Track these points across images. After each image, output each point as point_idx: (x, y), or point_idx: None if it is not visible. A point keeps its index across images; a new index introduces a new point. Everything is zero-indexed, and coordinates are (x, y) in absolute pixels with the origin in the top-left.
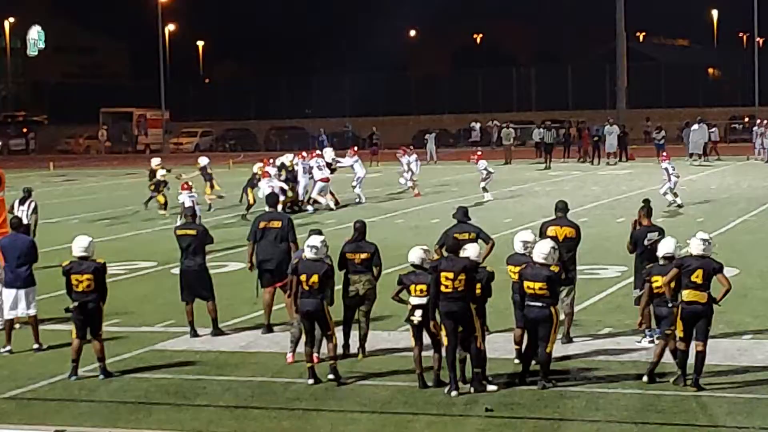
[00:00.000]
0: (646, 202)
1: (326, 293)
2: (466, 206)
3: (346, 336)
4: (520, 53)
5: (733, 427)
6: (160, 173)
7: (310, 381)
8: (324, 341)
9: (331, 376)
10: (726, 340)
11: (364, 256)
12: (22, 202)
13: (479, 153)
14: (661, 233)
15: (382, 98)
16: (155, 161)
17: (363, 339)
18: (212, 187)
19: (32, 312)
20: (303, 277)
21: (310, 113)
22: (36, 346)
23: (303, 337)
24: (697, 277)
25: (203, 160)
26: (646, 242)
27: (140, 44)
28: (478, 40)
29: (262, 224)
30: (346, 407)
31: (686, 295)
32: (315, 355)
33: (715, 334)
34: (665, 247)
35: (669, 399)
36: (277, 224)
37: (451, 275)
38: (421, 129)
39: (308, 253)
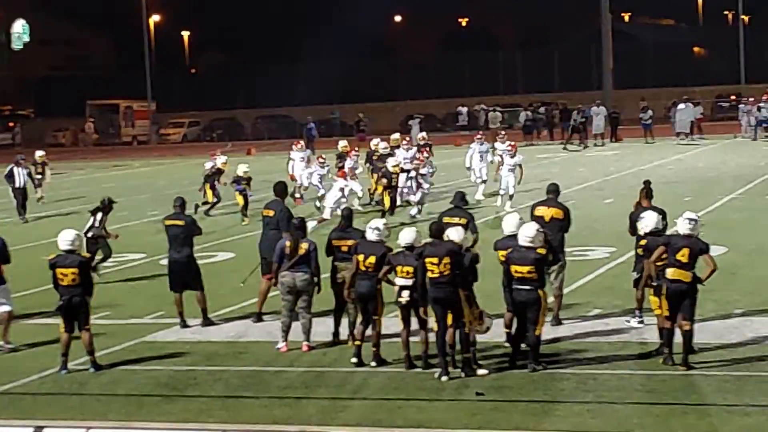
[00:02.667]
0: (647, 183)
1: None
2: (463, 191)
3: (337, 323)
4: (505, 36)
5: (722, 405)
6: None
7: (354, 360)
8: (307, 325)
9: (373, 363)
10: (715, 318)
11: (351, 243)
12: None
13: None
14: (662, 215)
15: (369, 84)
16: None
17: (352, 326)
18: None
19: (3, 309)
20: (360, 257)
21: (297, 101)
22: (7, 345)
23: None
24: (682, 255)
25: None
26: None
27: (125, 35)
28: (464, 24)
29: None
30: (338, 395)
31: (671, 273)
32: (305, 343)
33: (704, 312)
34: (649, 222)
35: (659, 378)
36: (270, 213)
37: (435, 260)
38: (409, 114)
39: (370, 235)
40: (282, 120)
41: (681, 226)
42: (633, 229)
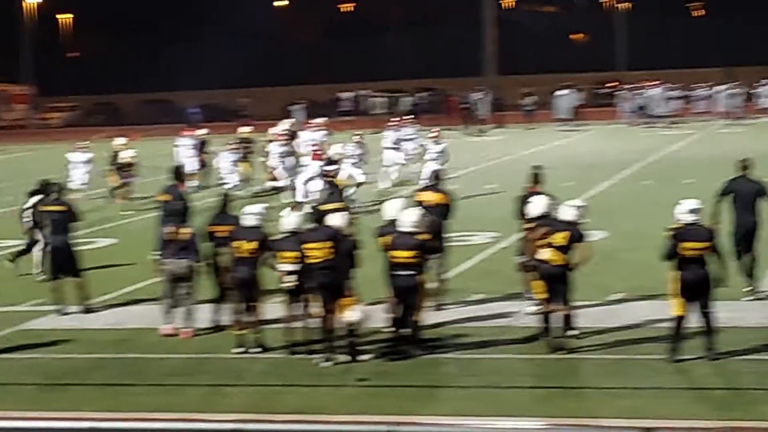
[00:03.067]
0: (536, 168)
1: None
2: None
3: (218, 310)
4: (390, 22)
5: (601, 388)
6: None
7: (236, 349)
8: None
9: (256, 350)
10: (594, 302)
11: (228, 228)
12: None
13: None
14: (551, 200)
15: (253, 69)
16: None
17: (234, 312)
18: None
19: None
20: (239, 244)
21: (180, 86)
22: None
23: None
24: (563, 238)
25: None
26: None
27: (2, 19)
28: (348, 9)
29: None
30: (219, 381)
31: (545, 254)
32: (188, 330)
33: (584, 297)
34: (539, 207)
35: (539, 362)
36: (167, 198)
37: (317, 245)
38: (293, 100)
39: (247, 220)
40: (163, 105)
41: (565, 212)
42: (521, 214)
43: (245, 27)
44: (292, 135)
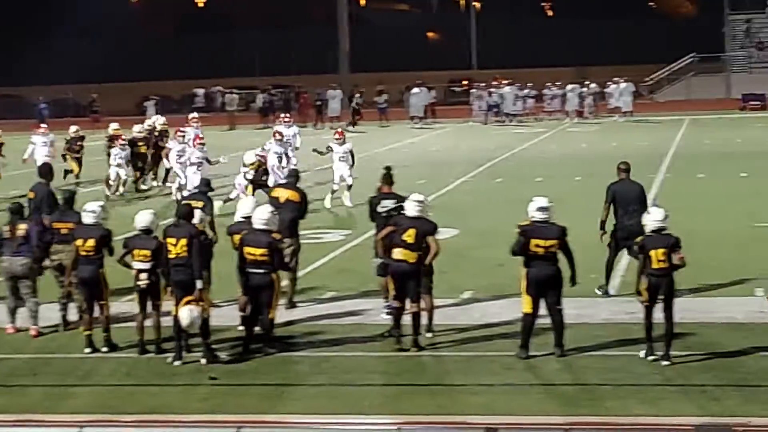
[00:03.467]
0: (388, 169)
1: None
2: (209, 178)
3: (64, 308)
4: (243, 18)
5: (452, 385)
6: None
7: (86, 349)
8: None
9: (105, 349)
10: (446, 299)
11: (70, 226)
12: None
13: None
14: (399, 201)
15: (105, 64)
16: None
17: (80, 311)
18: None
19: None
20: (79, 242)
21: (29, 81)
22: None
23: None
24: (408, 236)
25: None
26: (379, 209)
27: None
28: (201, 5)
29: None
30: (66, 381)
31: (396, 253)
32: (33, 328)
33: (435, 294)
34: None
35: (390, 360)
36: (32, 195)
37: (174, 241)
38: (144, 96)
39: (86, 218)
40: (9, 100)
41: (409, 208)
42: (373, 215)
43: (98, 21)
44: (151, 132)
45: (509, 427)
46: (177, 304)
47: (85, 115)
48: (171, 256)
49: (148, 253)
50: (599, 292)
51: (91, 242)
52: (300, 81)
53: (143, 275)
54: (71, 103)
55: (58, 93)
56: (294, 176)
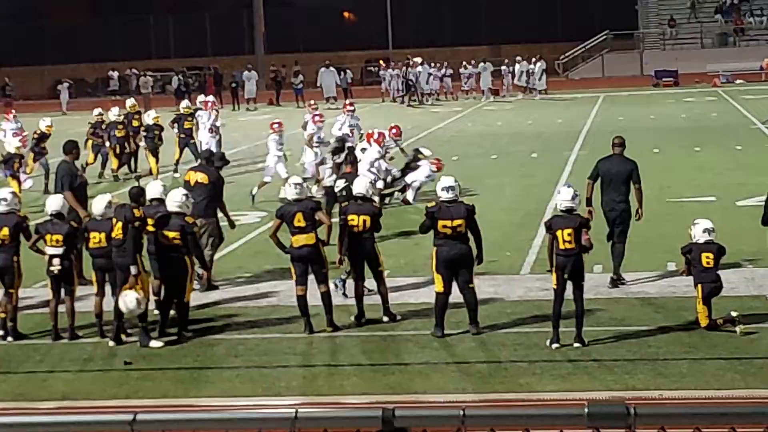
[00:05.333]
0: (350, 149)
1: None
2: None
3: None
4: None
5: (367, 365)
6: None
7: None
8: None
9: (10, 339)
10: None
11: None
12: None
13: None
14: (349, 181)
15: (14, 48)
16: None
17: None
18: None
19: None
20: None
21: None
22: None
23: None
24: (298, 221)
25: None
26: (336, 190)
27: None
28: None
29: None
30: None
31: (294, 241)
32: None
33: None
34: (289, 192)
35: (306, 341)
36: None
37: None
38: (57, 79)
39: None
40: None
41: (288, 193)
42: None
43: (9, 3)
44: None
45: (414, 407)
46: (98, 290)
47: None
48: (93, 245)
49: (60, 237)
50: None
51: (5, 231)
52: (215, 62)
53: (56, 260)
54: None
55: None
56: (206, 158)
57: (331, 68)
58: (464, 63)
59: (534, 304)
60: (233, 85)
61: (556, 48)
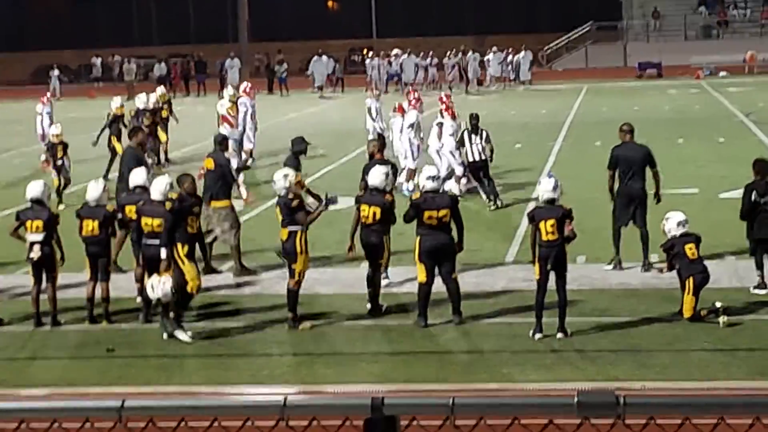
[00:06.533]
0: (381, 137)
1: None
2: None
3: None
4: None
5: (351, 354)
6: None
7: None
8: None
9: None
10: (345, 269)
11: None
12: None
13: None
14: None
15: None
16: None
17: None
18: None
19: None
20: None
21: None
22: None
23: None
24: (277, 215)
25: None
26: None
27: None
28: None
29: None
30: None
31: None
32: None
33: (335, 264)
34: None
35: (289, 330)
36: None
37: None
38: (41, 66)
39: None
40: None
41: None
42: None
43: None
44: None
45: (401, 395)
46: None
47: None
48: (86, 233)
49: (40, 224)
50: (609, 267)
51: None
52: (199, 50)
53: (36, 247)
54: None
55: None
56: (219, 143)
57: (324, 57)
58: (448, 53)
59: (517, 295)
60: (224, 74)
61: (540, 39)
